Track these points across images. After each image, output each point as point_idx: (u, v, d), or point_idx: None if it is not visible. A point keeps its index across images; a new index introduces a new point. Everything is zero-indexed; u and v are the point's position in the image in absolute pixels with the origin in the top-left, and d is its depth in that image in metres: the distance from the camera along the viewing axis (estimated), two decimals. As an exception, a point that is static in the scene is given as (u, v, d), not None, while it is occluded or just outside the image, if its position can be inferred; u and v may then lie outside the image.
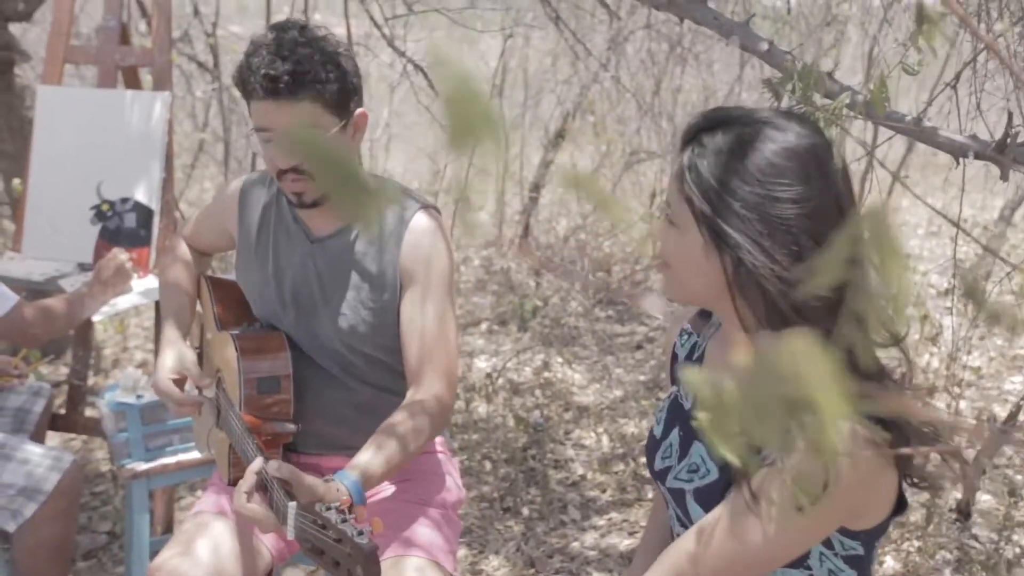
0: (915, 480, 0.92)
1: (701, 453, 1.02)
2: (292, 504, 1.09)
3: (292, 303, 1.45)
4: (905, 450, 0.83)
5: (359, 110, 1.39)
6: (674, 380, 1.14)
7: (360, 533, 1.00)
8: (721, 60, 5.29)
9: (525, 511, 2.55)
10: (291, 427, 1.40)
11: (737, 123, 0.94)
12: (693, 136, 0.96)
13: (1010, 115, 1.21)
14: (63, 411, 2.30)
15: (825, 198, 0.92)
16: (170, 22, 2.38)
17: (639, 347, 3.87)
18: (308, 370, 1.44)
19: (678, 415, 1.09)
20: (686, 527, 1.05)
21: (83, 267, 2.30)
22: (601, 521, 2.52)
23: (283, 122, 1.32)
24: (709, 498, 0.98)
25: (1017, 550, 2.32)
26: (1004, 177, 1.23)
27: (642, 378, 3.50)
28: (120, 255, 2.08)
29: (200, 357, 1.62)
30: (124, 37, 2.42)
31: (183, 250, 1.64)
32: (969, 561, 2.29)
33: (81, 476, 1.88)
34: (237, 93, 4.66)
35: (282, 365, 1.41)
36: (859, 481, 0.87)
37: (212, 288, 1.57)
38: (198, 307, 1.64)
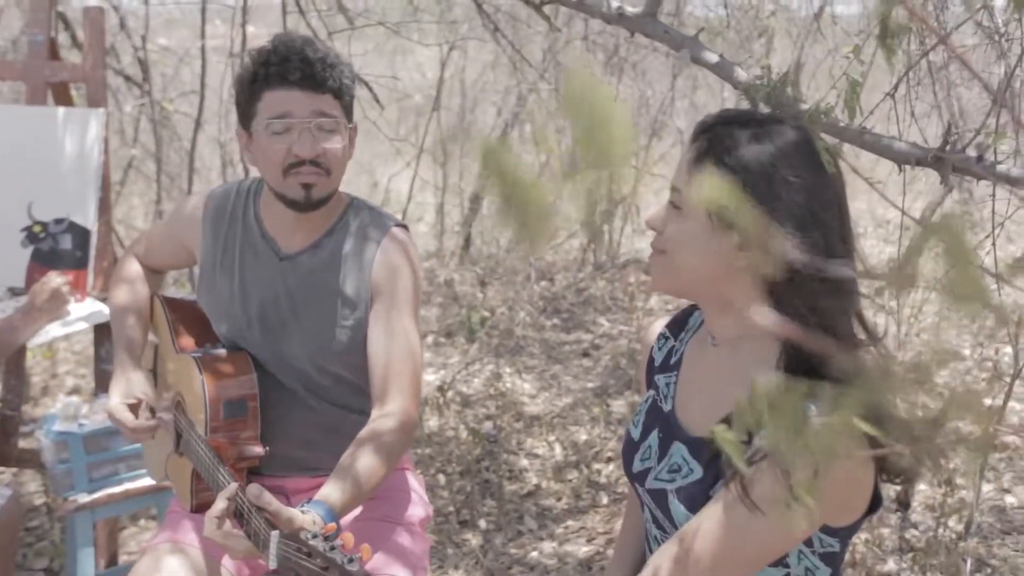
0: (891, 476, 0.95)
1: (682, 453, 1.04)
2: (275, 532, 1.06)
3: (259, 322, 1.42)
4: (883, 449, 0.86)
5: (352, 123, 1.41)
6: (650, 384, 1.16)
7: (351, 560, 0.98)
8: (654, 70, 5.41)
9: (482, 523, 2.54)
10: (258, 450, 1.36)
11: (751, 119, 1.01)
12: (707, 129, 1.02)
13: (949, 123, 1.27)
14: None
15: (829, 191, 0.98)
16: (103, 36, 2.30)
17: (586, 354, 3.90)
18: (273, 391, 1.41)
19: (657, 418, 1.11)
20: (664, 528, 1.06)
21: (14, 291, 2.20)
22: (558, 529, 2.53)
23: (307, 109, 1.33)
24: (692, 497, 1.00)
25: (953, 535, 2.43)
26: (945, 182, 1.29)
27: (590, 385, 3.53)
28: (55, 279, 2.00)
29: (155, 380, 1.57)
30: (53, 52, 2.33)
31: (134, 269, 1.58)
32: (910, 549, 2.38)
33: (20, 511, 1.80)
34: (170, 107, 4.47)
35: (248, 386, 1.37)
36: (847, 477, 0.90)
37: (168, 308, 1.52)
38: (150, 330, 1.59)
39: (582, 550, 2.42)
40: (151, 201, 5.11)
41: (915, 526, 2.49)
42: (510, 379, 3.54)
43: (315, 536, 1.03)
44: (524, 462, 2.91)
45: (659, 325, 1.20)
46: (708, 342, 1.07)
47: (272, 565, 1.08)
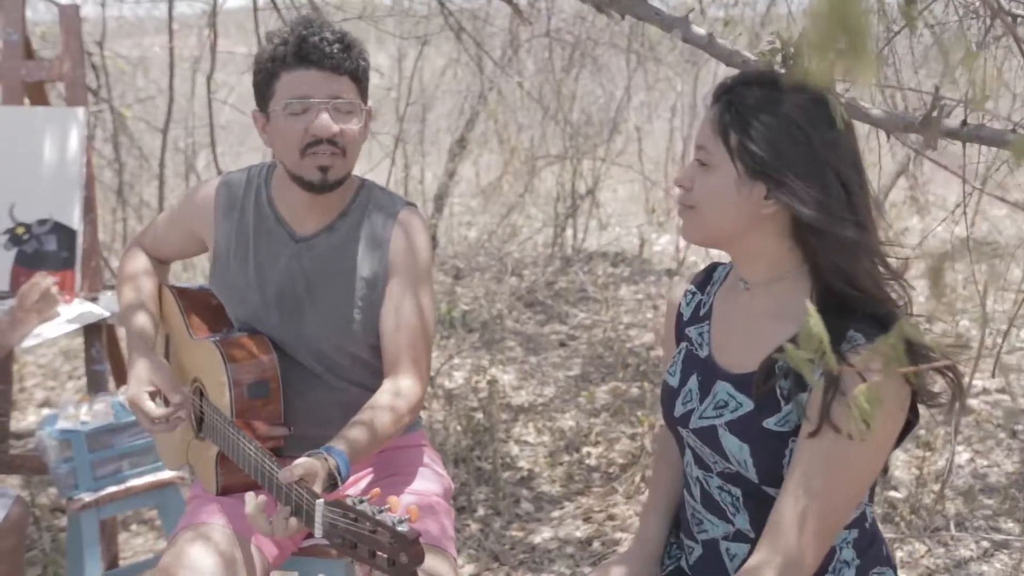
0: (924, 398, 1.03)
1: (728, 390, 1.10)
2: (320, 501, 1.07)
3: (276, 304, 1.43)
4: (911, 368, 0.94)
5: (368, 105, 1.43)
6: (681, 338, 1.22)
7: (401, 521, 1.00)
8: (614, 66, 5.51)
9: (480, 510, 2.57)
10: (283, 430, 1.38)
11: (769, 79, 1.07)
12: (727, 90, 1.08)
13: (936, 89, 1.35)
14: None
15: (847, 144, 1.06)
16: (80, 35, 2.27)
17: (563, 344, 3.96)
18: (292, 372, 1.42)
19: (693, 364, 1.17)
20: (708, 468, 1.12)
21: (-3, 295, 2.16)
22: (555, 512, 2.57)
23: (326, 91, 1.34)
24: (745, 427, 1.06)
25: (932, 495, 2.54)
26: (933, 147, 1.37)
27: (571, 374, 3.58)
28: (45, 280, 1.96)
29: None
30: (28, 51, 2.29)
31: (138, 264, 1.58)
32: (895, 510, 2.48)
33: (27, 513, 1.76)
34: (128, 113, 4.37)
35: (270, 367, 1.38)
36: (896, 393, 1.00)
37: (179, 297, 1.52)
38: (160, 322, 1.58)
39: (580, 530, 2.47)
40: (110, 209, 5.00)
41: (895, 489, 2.60)
42: (492, 371, 3.57)
43: (362, 501, 1.05)
44: (515, 450, 2.94)
45: (682, 286, 1.26)
46: (739, 288, 1.14)
47: (318, 534, 1.09)
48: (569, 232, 5.52)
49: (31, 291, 1.93)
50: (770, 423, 1.05)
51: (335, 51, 1.34)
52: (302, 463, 1.17)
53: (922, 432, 2.80)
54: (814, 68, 0.38)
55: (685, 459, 1.18)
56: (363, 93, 1.41)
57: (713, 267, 1.24)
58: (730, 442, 1.07)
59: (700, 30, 1.71)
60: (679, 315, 1.24)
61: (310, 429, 1.45)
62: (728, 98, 1.07)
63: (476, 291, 4.66)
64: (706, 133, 1.09)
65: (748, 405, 1.07)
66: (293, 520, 1.14)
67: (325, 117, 1.34)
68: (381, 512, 1.03)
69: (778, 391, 1.05)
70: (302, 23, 1.35)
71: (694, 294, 1.23)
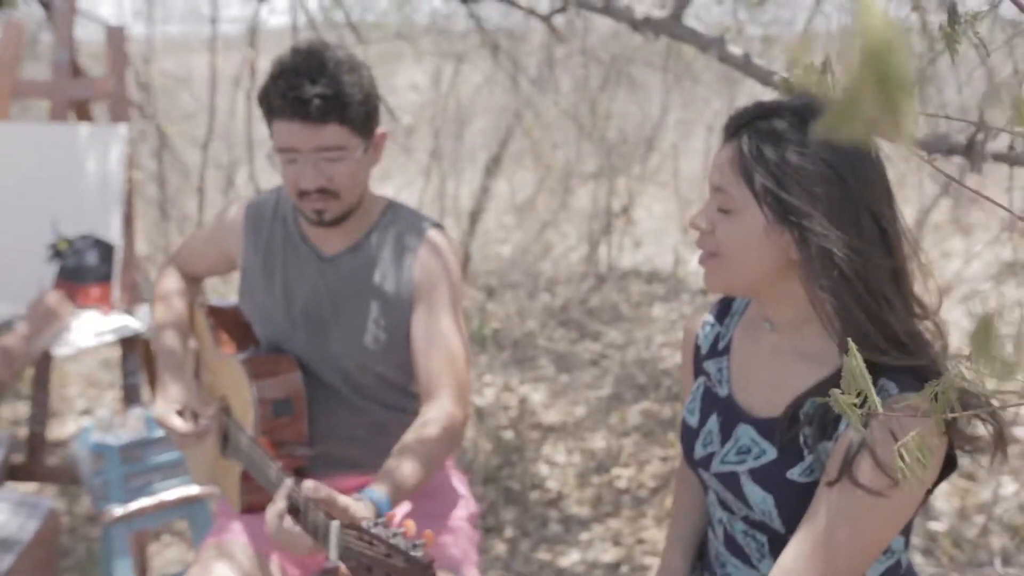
0: (961, 445, 0.95)
1: (751, 435, 1.05)
2: (335, 523, 1.07)
3: (303, 323, 1.44)
4: (951, 415, 0.88)
5: (379, 130, 1.40)
6: (699, 372, 1.17)
7: (415, 546, 0.99)
8: (650, 84, 5.49)
9: (508, 530, 2.55)
10: (306, 450, 1.38)
11: (790, 110, 0.98)
12: (744, 123, 0.99)
13: (981, 112, 1.32)
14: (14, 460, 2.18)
15: (879, 179, 0.98)
16: (125, 55, 2.33)
17: (595, 363, 3.93)
18: (318, 391, 1.43)
19: (713, 403, 1.12)
20: (732, 510, 1.08)
21: (39, 308, 2.21)
22: (583, 534, 2.54)
23: (310, 144, 1.31)
24: (767, 477, 1.01)
25: (976, 529, 2.46)
26: (978, 170, 1.34)
27: (603, 394, 3.55)
28: (48, 297, 2.00)
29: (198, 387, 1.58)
30: (75, 70, 2.35)
31: (173, 281, 1.60)
32: (936, 543, 2.41)
33: (59, 524, 1.79)
34: (172, 130, 4.48)
35: (295, 386, 1.39)
36: (937, 445, 0.93)
37: (209, 316, 1.53)
38: (191, 339, 1.60)
39: (609, 553, 2.43)
40: (151, 223, 5.11)
41: (937, 519, 2.52)
42: (521, 389, 3.56)
43: (376, 524, 1.04)
44: (544, 470, 2.92)
45: (700, 316, 1.20)
46: (763, 327, 1.07)
47: (333, 556, 1.08)
48: (603, 250, 5.50)
49: (35, 306, 1.97)
50: (794, 473, 0.99)
51: (312, 108, 1.28)
52: (350, 504, 1.12)
53: (965, 461, 2.72)
54: (844, 127, 0.36)
55: (708, 499, 1.13)
56: (360, 128, 1.34)
57: (731, 296, 1.17)
58: (753, 491, 1.02)
59: (736, 50, 1.70)
60: (696, 347, 1.18)
61: (337, 449, 1.45)
62: (747, 133, 0.98)
63: (508, 308, 4.66)
64: (725, 174, 0.99)
65: (771, 453, 1.02)
66: (307, 537, 1.12)
67: (310, 170, 1.32)
68: (395, 536, 1.01)
69: (801, 439, 0.99)
70: (290, 68, 1.30)
71: (712, 325, 1.16)
